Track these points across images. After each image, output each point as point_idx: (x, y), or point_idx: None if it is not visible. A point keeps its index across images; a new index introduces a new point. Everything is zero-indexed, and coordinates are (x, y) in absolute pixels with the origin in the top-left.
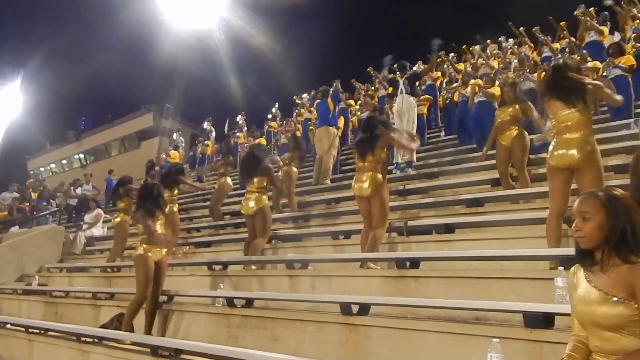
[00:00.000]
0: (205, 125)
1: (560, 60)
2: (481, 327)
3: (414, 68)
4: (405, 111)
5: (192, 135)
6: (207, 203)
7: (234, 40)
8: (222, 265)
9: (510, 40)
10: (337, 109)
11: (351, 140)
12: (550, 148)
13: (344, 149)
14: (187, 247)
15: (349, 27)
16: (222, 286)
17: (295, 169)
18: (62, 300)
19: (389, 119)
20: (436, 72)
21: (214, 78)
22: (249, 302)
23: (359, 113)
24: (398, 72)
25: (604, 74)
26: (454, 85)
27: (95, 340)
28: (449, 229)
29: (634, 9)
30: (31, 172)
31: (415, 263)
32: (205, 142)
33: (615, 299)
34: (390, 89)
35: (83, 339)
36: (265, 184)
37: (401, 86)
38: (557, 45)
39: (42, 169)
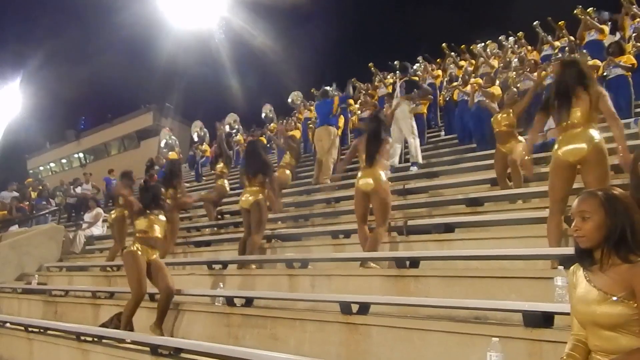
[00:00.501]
0: (196, 135)
1: (573, 57)
2: (481, 326)
3: (415, 67)
4: (400, 117)
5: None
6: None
7: (234, 40)
8: (222, 264)
9: (511, 39)
10: (338, 111)
11: (351, 139)
12: (557, 143)
13: (344, 148)
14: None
15: (350, 27)
16: (222, 285)
17: (288, 172)
18: (62, 299)
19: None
20: (437, 70)
21: (214, 78)
22: (248, 302)
23: (359, 112)
24: (398, 73)
25: (604, 73)
26: (454, 84)
27: (95, 339)
28: (449, 228)
29: (634, 8)
30: (31, 172)
31: (415, 262)
32: (202, 146)
33: (614, 298)
34: (390, 88)
35: (83, 338)
36: (264, 180)
37: (398, 89)
38: (557, 44)
39: (41, 168)
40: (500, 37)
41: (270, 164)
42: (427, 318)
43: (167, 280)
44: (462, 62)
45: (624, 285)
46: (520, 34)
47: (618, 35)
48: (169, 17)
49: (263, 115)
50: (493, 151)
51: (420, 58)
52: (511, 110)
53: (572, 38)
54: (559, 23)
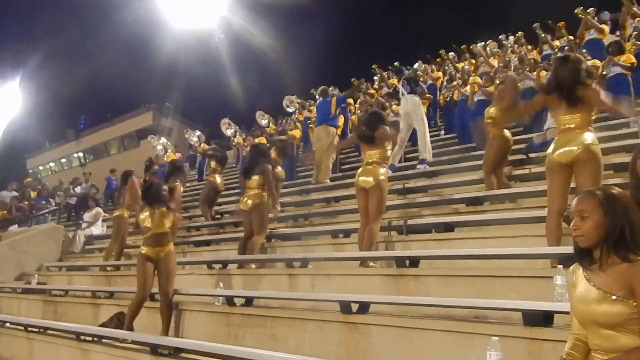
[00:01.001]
0: (193, 141)
1: (573, 55)
2: (481, 325)
3: (415, 66)
4: (412, 111)
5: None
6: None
7: (234, 40)
8: (222, 264)
9: (511, 38)
10: (337, 111)
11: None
12: (553, 145)
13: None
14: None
15: (350, 27)
16: (221, 285)
17: (280, 169)
18: (62, 299)
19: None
20: (437, 72)
21: (213, 77)
22: (248, 301)
23: (359, 112)
24: (395, 76)
25: (604, 72)
26: (454, 83)
27: (95, 339)
28: (449, 227)
29: (635, 7)
30: (30, 171)
31: (414, 262)
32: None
33: (614, 297)
34: (392, 89)
35: (82, 337)
36: (264, 182)
37: (401, 89)
38: (557, 43)
39: (41, 167)
40: (500, 37)
41: (267, 169)
42: (427, 317)
43: (167, 287)
44: (461, 64)
45: (623, 284)
46: (520, 33)
47: (618, 35)
48: (168, 17)
49: (228, 132)
50: None
51: (420, 62)
52: (498, 105)
53: (571, 38)
54: (559, 24)
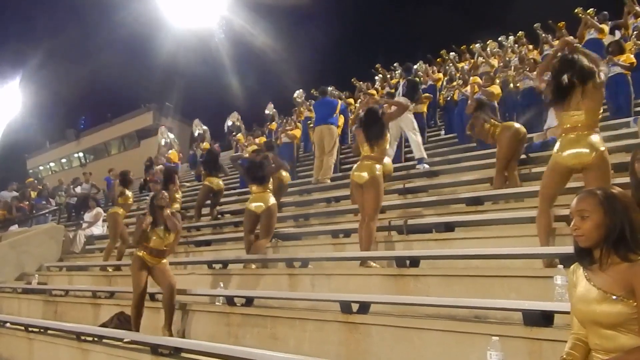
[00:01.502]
0: (196, 132)
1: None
2: (481, 325)
3: (415, 66)
4: (402, 116)
5: (191, 134)
6: (208, 202)
7: (234, 39)
8: (222, 264)
9: (511, 38)
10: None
11: (351, 139)
12: (558, 146)
13: (343, 147)
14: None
15: (350, 27)
16: (222, 285)
17: (285, 173)
18: (62, 299)
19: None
20: (438, 74)
21: (214, 77)
22: (249, 301)
23: (359, 112)
24: (399, 72)
25: None
26: (454, 83)
27: (95, 339)
28: (449, 227)
29: (637, 7)
30: (30, 171)
31: (415, 261)
32: (202, 144)
33: (614, 297)
34: (394, 89)
35: (83, 337)
36: (271, 185)
37: (400, 88)
38: (557, 43)
39: (41, 167)
40: (500, 38)
41: (269, 174)
42: (427, 317)
43: (169, 279)
44: (462, 64)
45: (623, 284)
46: (520, 33)
47: (618, 35)
48: (169, 16)
49: (230, 123)
50: (493, 150)
51: (420, 62)
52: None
53: (570, 38)
54: (559, 24)
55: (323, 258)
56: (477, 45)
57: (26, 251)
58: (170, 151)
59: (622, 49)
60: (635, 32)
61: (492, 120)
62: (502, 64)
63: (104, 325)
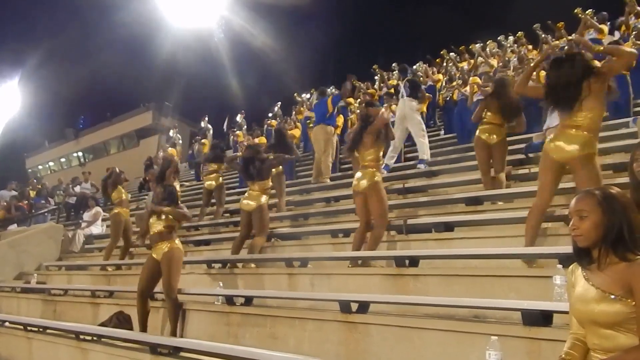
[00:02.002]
0: (202, 124)
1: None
2: (480, 325)
3: (415, 67)
4: (408, 115)
5: (191, 133)
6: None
7: (233, 39)
8: (222, 263)
9: (510, 38)
10: (335, 110)
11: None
12: (549, 140)
13: (343, 147)
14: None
15: (350, 27)
16: (221, 284)
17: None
18: (61, 299)
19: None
20: (438, 74)
21: (213, 76)
22: (248, 300)
23: (359, 112)
24: (396, 73)
25: None
26: (454, 83)
27: (94, 338)
28: (448, 227)
29: (638, 7)
30: (29, 170)
31: (414, 261)
32: (202, 140)
33: (612, 296)
34: (392, 89)
35: (82, 337)
36: (267, 183)
37: (402, 90)
38: (556, 43)
39: (40, 167)
40: (499, 38)
41: (267, 170)
42: (427, 317)
43: (166, 285)
44: (462, 64)
45: (621, 283)
46: (520, 33)
47: (617, 35)
48: (168, 16)
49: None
50: None
51: (420, 62)
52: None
53: (570, 38)
54: (558, 24)
55: (322, 257)
56: (478, 45)
57: (25, 250)
58: (170, 148)
59: None
60: (635, 32)
61: None
62: (501, 64)
63: (103, 324)
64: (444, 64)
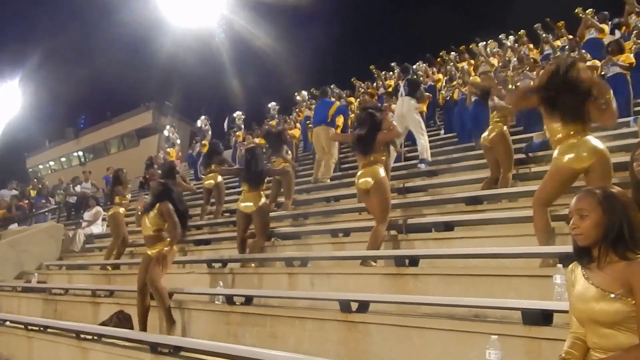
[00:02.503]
0: (199, 123)
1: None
2: (480, 324)
3: (415, 66)
4: (407, 114)
5: (190, 133)
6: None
7: (234, 39)
8: (222, 262)
9: (511, 37)
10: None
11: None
12: (558, 152)
13: (343, 147)
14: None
15: (350, 27)
16: (221, 284)
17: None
18: (62, 298)
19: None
20: (437, 74)
21: (213, 76)
22: (248, 300)
23: (359, 111)
24: (397, 72)
25: (602, 72)
26: (454, 83)
27: (95, 337)
28: (449, 226)
29: (638, 7)
30: (30, 170)
31: (414, 261)
32: (202, 142)
33: (612, 295)
34: (391, 88)
35: (82, 336)
36: (263, 186)
37: (401, 89)
38: (557, 43)
39: (41, 166)
40: (500, 36)
41: (265, 172)
42: (427, 316)
43: (150, 277)
44: (462, 64)
45: (621, 282)
46: (521, 32)
47: (618, 35)
48: (168, 15)
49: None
50: None
51: (420, 62)
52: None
53: (571, 37)
54: (558, 23)
55: (322, 257)
56: (480, 45)
57: (26, 250)
58: (170, 148)
59: (621, 49)
60: (635, 32)
61: None
62: (501, 63)
63: (103, 323)
64: (444, 64)
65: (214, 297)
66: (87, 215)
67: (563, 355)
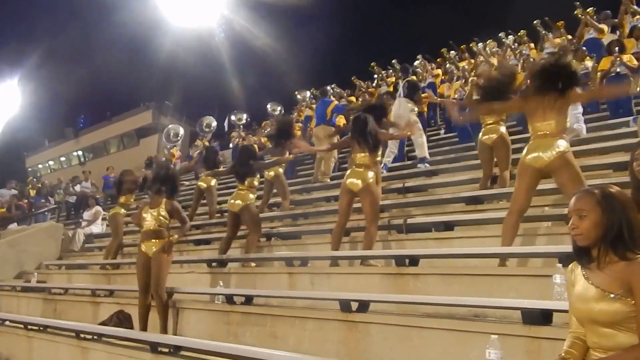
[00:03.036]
0: (204, 125)
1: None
2: (480, 324)
3: (415, 64)
4: (403, 115)
5: (191, 133)
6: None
7: (233, 38)
8: (222, 262)
9: (510, 37)
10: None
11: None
12: (526, 149)
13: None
14: None
15: (350, 27)
16: (221, 283)
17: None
18: (61, 297)
19: (387, 113)
20: (436, 69)
21: (213, 76)
22: (248, 300)
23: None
24: (398, 69)
25: (611, 70)
26: (454, 82)
27: (95, 337)
28: (448, 226)
29: (634, 5)
30: (29, 170)
31: (414, 260)
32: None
33: (612, 295)
34: (391, 87)
35: (82, 335)
36: (255, 183)
37: (400, 89)
38: (557, 41)
39: (40, 166)
40: (500, 34)
41: (255, 169)
42: (427, 316)
43: (155, 285)
44: (462, 63)
45: (621, 282)
46: (522, 31)
47: (618, 34)
48: (168, 15)
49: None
50: None
51: (419, 57)
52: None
53: (569, 37)
54: (558, 23)
55: (322, 257)
56: (479, 45)
57: (25, 249)
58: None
59: (624, 48)
60: (637, 32)
61: None
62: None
63: (103, 323)
64: (444, 63)
65: (214, 296)
66: (86, 215)
67: (563, 354)
